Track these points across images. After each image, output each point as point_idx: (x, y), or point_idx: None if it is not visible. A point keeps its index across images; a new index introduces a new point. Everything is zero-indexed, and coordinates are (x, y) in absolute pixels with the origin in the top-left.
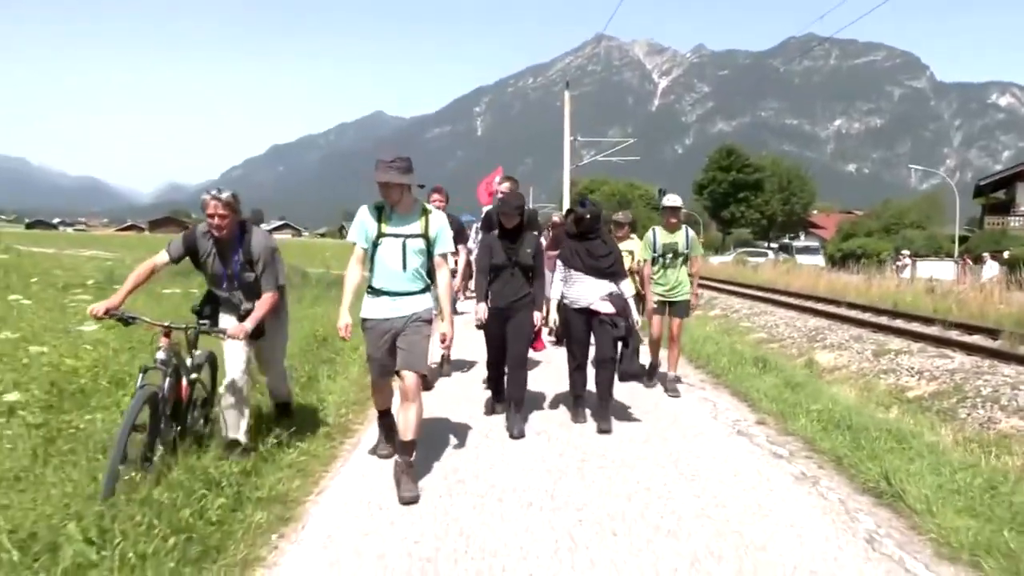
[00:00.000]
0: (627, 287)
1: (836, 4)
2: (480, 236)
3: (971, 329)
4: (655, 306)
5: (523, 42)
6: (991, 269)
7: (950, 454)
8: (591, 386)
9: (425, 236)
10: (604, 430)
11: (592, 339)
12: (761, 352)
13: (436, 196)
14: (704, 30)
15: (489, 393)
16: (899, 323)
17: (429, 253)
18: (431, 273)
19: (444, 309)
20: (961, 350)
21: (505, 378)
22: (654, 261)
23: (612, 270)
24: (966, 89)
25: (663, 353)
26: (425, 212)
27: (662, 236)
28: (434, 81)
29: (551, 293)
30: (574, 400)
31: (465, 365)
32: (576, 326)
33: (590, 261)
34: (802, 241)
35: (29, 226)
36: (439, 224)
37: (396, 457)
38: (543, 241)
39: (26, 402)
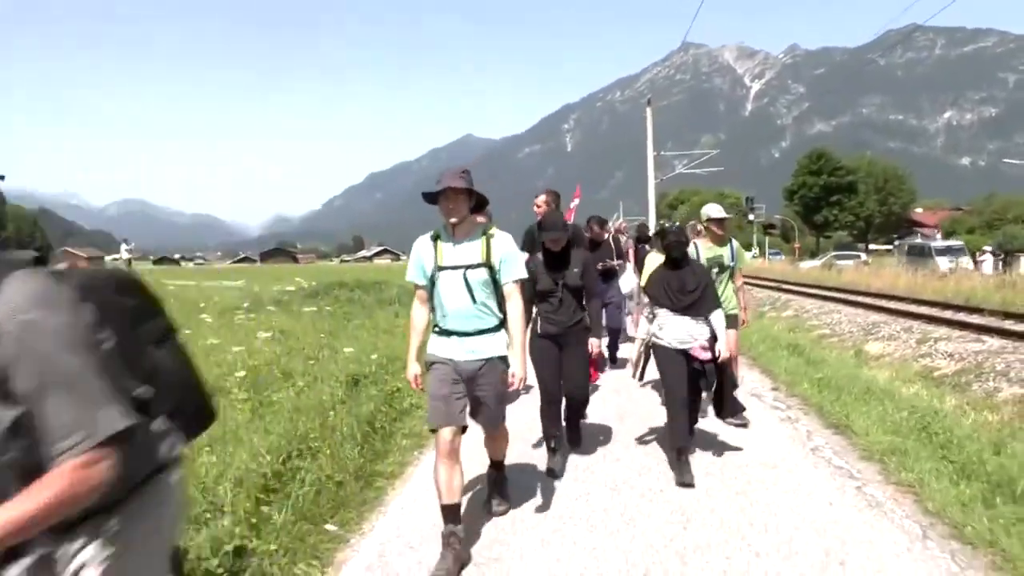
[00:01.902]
0: (719, 319)
1: None
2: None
3: (1012, 316)
4: None
5: (609, 56)
6: (988, 265)
7: (906, 402)
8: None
9: (488, 264)
10: (682, 482)
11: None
12: (801, 340)
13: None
14: (796, 29)
15: (547, 435)
16: (948, 314)
17: (496, 282)
18: (503, 306)
19: (515, 345)
20: (998, 335)
21: (563, 414)
22: None
23: (704, 303)
24: None
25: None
26: (487, 236)
27: (705, 250)
28: (521, 101)
29: (638, 332)
30: (677, 456)
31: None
32: (671, 362)
33: (682, 297)
34: (939, 240)
35: (156, 262)
36: (504, 248)
37: (488, 469)
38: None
39: (233, 385)
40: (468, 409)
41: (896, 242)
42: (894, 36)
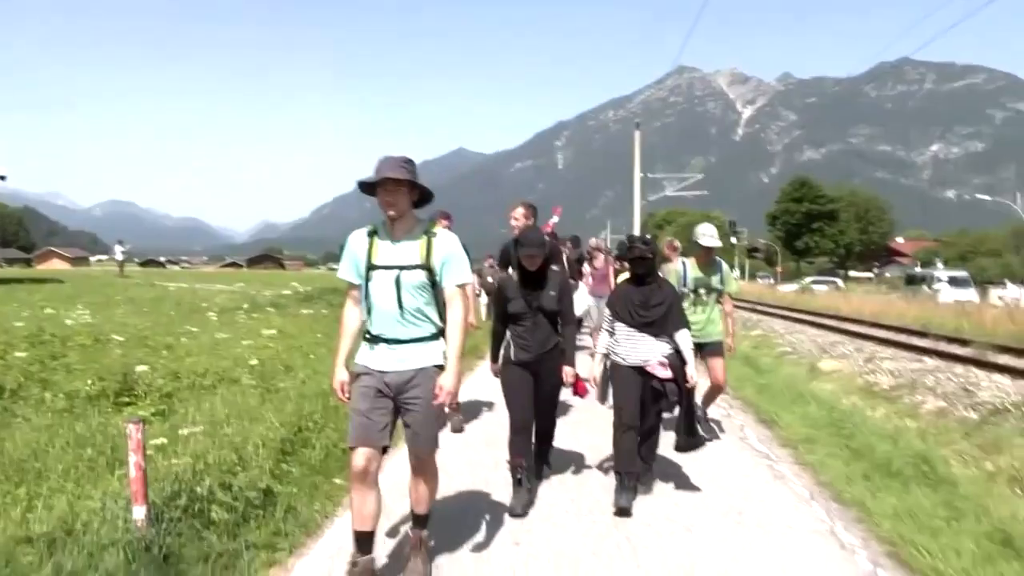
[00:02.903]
0: (685, 339)
1: (922, 19)
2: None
3: (955, 341)
4: None
5: (603, 76)
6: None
7: (827, 405)
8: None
9: (427, 266)
10: (623, 511)
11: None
12: (762, 355)
13: (444, 223)
14: (790, 58)
15: (513, 466)
16: (900, 337)
17: (435, 286)
18: (444, 313)
19: (450, 354)
20: (936, 356)
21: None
22: (683, 297)
23: (668, 322)
24: None
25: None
26: (429, 235)
27: (693, 269)
28: (514, 116)
29: (598, 347)
30: (618, 479)
31: (484, 408)
32: (625, 382)
33: (643, 314)
34: (942, 269)
35: (142, 264)
36: (446, 249)
37: (408, 528)
38: (586, 270)
39: (242, 375)
40: (390, 428)
41: (875, 270)
42: (887, 69)
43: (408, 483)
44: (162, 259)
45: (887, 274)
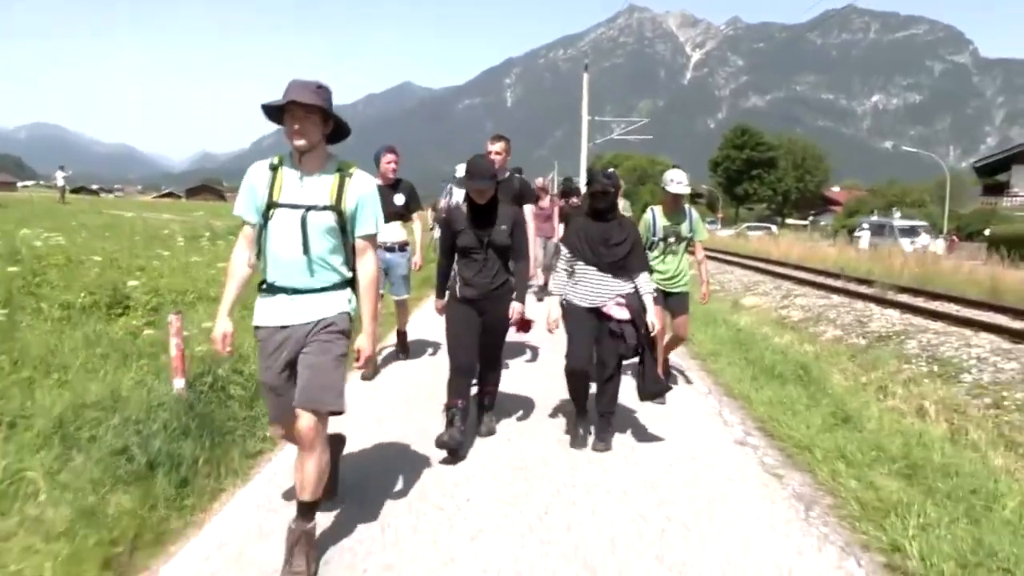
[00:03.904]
0: (645, 282)
1: None
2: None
3: (864, 282)
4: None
5: (554, 13)
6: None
7: (732, 326)
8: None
9: (337, 208)
10: (602, 447)
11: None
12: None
13: (389, 156)
14: (739, 1)
15: (448, 406)
16: (815, 278)
17: (344, 231)
18: (352, 261)
19: (364, 314)
20: (843, 294)
21: (475, 382)
22: (652, 246)
23: (630, 262)
24: (1011, 65)
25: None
26: (342, 173)
27: (661, 218)
28: (463, 52)
29: (552, 287)
30: (576, 415)
31: (428, 349)
32: (579, 324)
33: (604, 252)
34: (898, 219)
35: (74, 191)
36: (361, 190)
37: (290, 522)
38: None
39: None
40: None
41: (811, 218)
42: (832, 16)
43: (295, 462)
44: (94, 187)
45: (822, 222)
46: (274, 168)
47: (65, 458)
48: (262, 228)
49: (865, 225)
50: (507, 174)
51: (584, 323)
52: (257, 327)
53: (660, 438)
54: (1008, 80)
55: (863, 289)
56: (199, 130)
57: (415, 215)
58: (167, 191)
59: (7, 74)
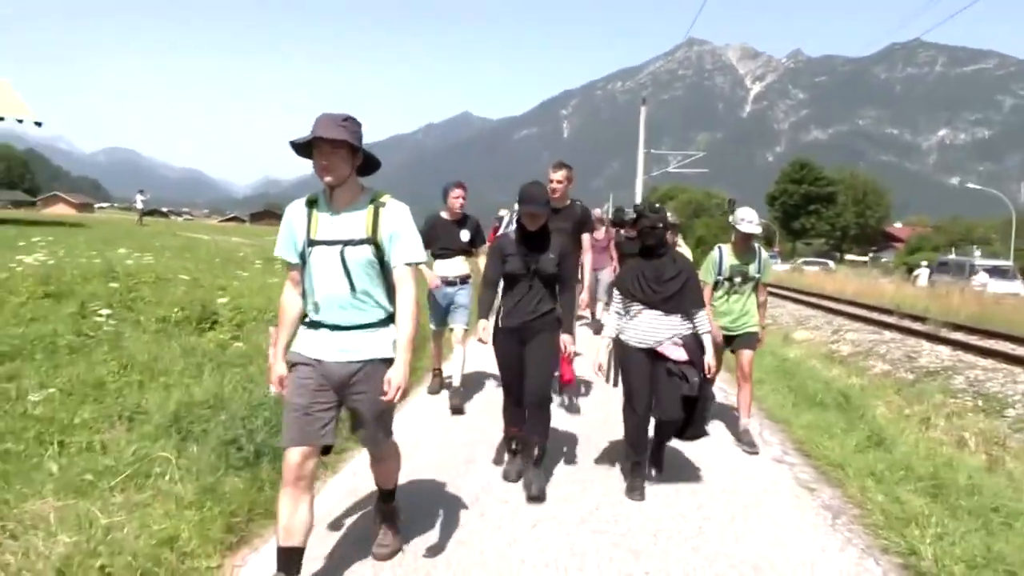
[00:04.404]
0: (703, 322)
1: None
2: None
3: (918, 319)
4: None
5: (612, 45)
6: (923, 277)
7: (780, 357)
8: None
9: (373, 240)
10: (636, 494)
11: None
12: None
13: (458, 192)
14: (801, 35)
15: (507, 436)
16: (869, 313)
17: (383, 263)
18: (394, 295)
19: (400, 344)
20: (895, 330)
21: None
22: (717, 285)
23: (684, 299)
24: None
25: (731, 396)
26: (376, 204)
27: (729, 256)
28: (522, 83)
29: (605, 330)
30: (631, 468)
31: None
32: (636, 370)
33: (656, 290)
34: (981, 259)
35: (146, 214)
36: (397, 222)
37: (376, 501)
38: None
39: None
40: (333, 424)
41: (871, 254)
42: (898, 50)
43: (369, 466)
44: (164, 209)
45: (883, 259)
46: (310, 205)
47: (181, 447)
48: (303, 266)
49: (924, 263)
50: (568, 202)
51: (641, 369)
52: (294, 361)
53: (702, 454)
54: None
55: (916, 326)
56: (264, 156)
57: (479, 250)
58: (232, 215)
59: (88, 99)
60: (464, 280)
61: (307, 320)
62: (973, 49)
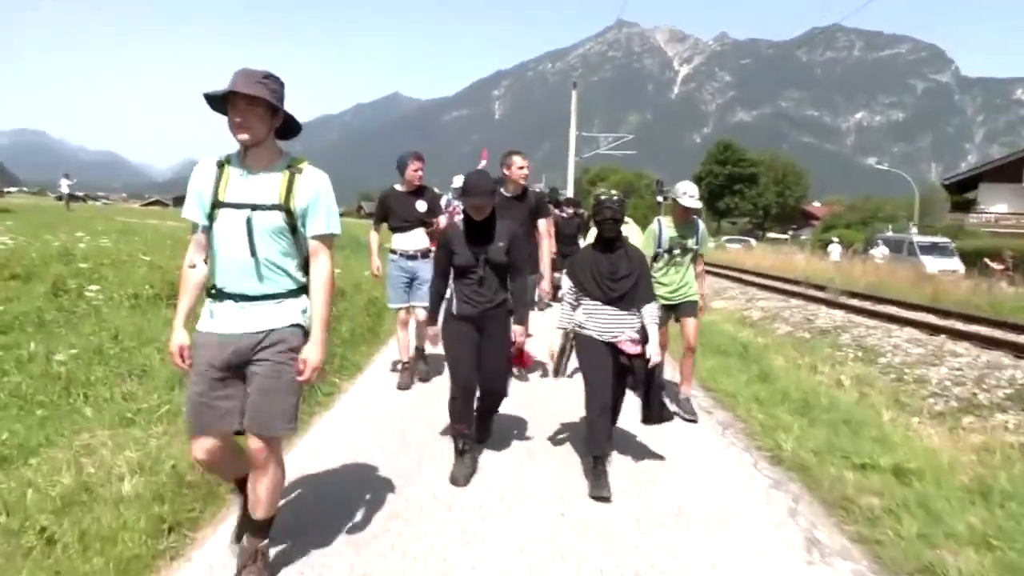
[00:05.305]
0: (652, 313)
1: None
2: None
3: (821, 288)
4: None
5: (543, 27)
6: (834, 252)
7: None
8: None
9: (286, 207)
10: (604, 494)
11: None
12: None
13: (417, 164)
14: (728, 18)
15: (454, 434)
16: (779, 284)
17: (296, 232)
18: (306, 265)
19: (314, 323)
20: (800, 298)
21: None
22: (657, 257)
23: (636, 295)
24: (991, 84)
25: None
26: (292, 170)
27: (669, 229)
28: (452, 64)
29: (559, 322)
30: (593, 461)
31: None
32: (596, 356)
33: (612, 287)
34: (917, 235)
35: (58, 199)
36: (314, 188)
37: (244, 538)
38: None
39: None
40: (236, 410)
41: (791, 232)
42: (819, 35)
43: (248, 483)
44: (79, 193)
45: (803, 236)
46: (221, 166)
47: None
48: (208, 230)
49: (880, 241)
50: (523, 189)
51: (601, 354)
52: (198, 339)
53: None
54: (988, 99)
55: (819, 294)
56: (185, 138)
57: (437, 220)
58: (154, 199)
59: None
60: (425, 254)
61: (211, 290)
62: (889, 34)
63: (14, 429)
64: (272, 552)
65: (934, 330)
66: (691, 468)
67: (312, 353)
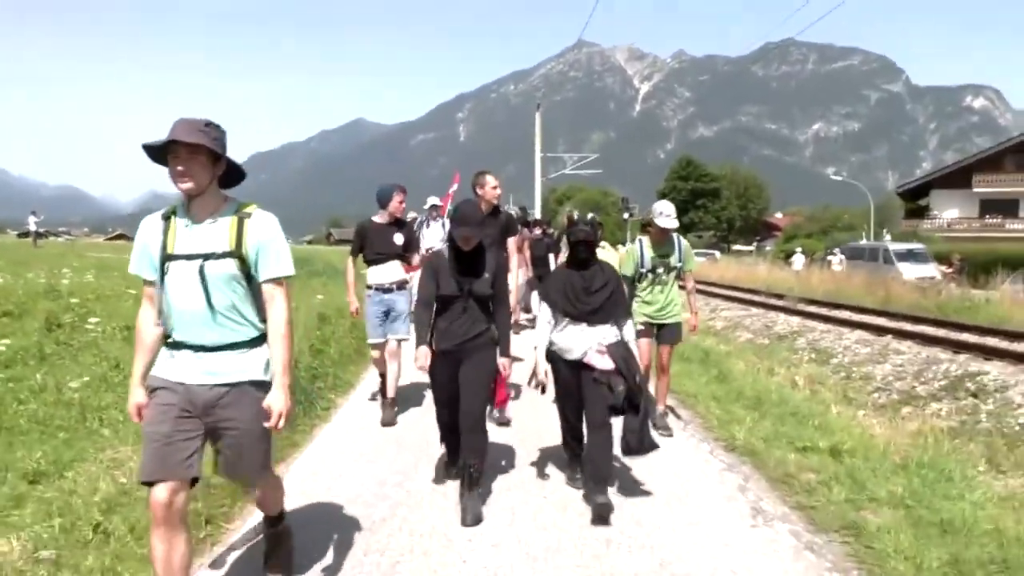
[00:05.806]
0: (629, 329)
1: (803, 3)
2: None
3: (781, 296)
4: (642, 328)
5: (504, 49)
6: (798, 262)
7: None
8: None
9: (237, 254)
10: (601, 516)
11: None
12: None
13: (401, 196)
14: (684, 36)
15: (443, 455)
16: (742, 295)
17: (251, 279)
18: (264, 310)
19: (276, 370)
20: (761, 307)
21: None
22: (641, 277)
23: (610, 308)
24: (940, 93)
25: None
26: (240, 215)
27: (649, 249)
28: (416, 88)
29: (538, 339)
30: (569, 459)
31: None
32: (565, 383)
33: (585, 301)
34: (892, 243)
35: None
36: (262, 233)
37: (263, 531)
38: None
39: None
40: (199, 454)
41: (755, 244)
42: (773, 49)
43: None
44: (40, 230)
45: (767, 247)
46: (167, 218)
47: None
48: (160, 284)
49: (837, 250)
50: (493, 208)
51: (569, 381)
52: (154, 386)
53: None
54: (939, 107)
55: (778, 302)
56: (148, 170)
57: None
58: (118, 232)
59: None
60: (401, 286)
61: (168, 340)
62: (840, 47)
63: (43, 449)
64: (297, 537)
65: (882, 331)
66: (654, 457)
67: (276, 401)
